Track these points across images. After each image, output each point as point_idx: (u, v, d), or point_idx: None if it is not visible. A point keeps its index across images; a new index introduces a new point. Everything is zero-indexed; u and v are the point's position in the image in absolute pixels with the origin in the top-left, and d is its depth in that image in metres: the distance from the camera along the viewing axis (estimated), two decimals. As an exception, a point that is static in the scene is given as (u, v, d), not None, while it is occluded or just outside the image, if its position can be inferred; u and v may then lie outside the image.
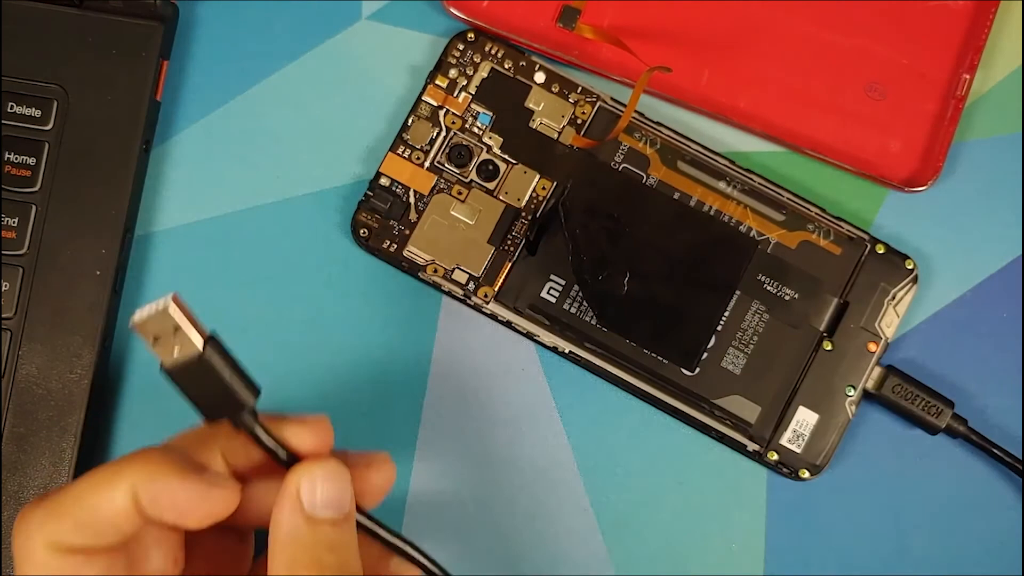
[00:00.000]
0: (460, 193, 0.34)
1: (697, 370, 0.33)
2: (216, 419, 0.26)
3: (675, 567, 0.34)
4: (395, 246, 0.34)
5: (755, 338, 0.33)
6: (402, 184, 0.34)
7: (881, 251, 0.34)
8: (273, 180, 0.35)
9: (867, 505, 0.34)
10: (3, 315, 0.33)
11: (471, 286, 0.34)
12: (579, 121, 0.34)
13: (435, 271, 0.34)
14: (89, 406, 0.33)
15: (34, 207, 0.34)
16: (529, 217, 0.34)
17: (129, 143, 0.34)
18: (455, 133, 0.34)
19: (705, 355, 0.33)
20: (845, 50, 0.35)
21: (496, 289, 0.34)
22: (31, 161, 0.34)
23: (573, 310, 0.33)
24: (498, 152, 0.34)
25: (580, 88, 0.34)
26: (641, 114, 0.34)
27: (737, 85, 0.35)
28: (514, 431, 0.34)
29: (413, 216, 0.34)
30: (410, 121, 0.34)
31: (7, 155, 0.34)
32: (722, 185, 0.34)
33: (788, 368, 0.33)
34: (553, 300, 0.33)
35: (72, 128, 0.34)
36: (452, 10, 0.35)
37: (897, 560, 0.34)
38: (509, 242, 0.34)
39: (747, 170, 0.34)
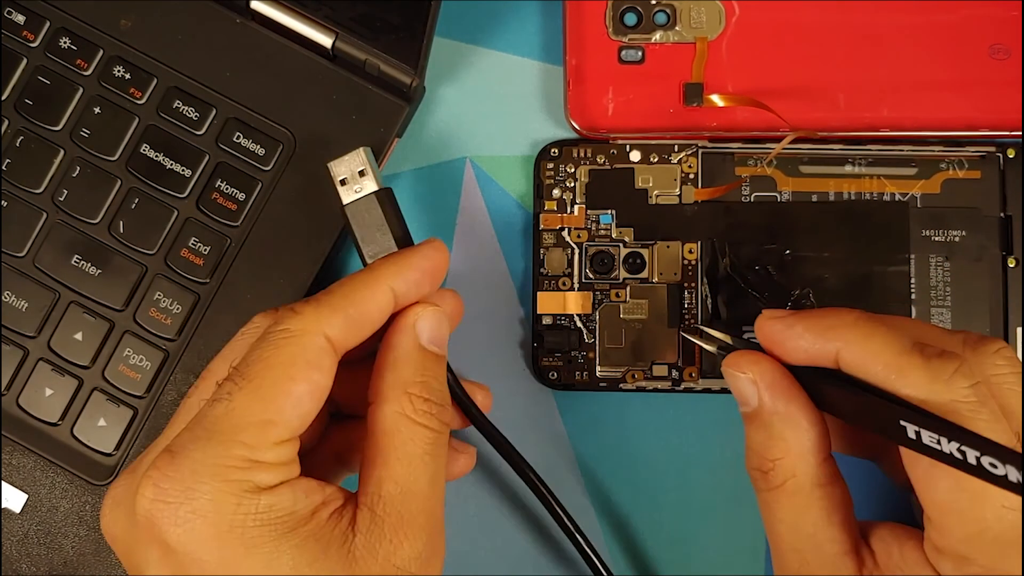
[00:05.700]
0: (619, 295, 0.34)
1: (914, 343, 0.33)
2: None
3: (675, 567, 0.34)
4: (586, 373, 0.34)
5: (948, 288, 0.34)
6: (564, 315, 0.34)
7: (1012, 155, 0.34)
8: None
9: (868, 501, 0.34)
10: (167, 335, 0.32)
11: (675, 375, 0.33)
12: (691, 176, 0.34)
13: (634, 377, 0.33)
14: None
15: (229, 240, 0.33)
16: (694, 285, 0.34)
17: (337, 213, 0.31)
18: (587, 245, 0.34)
19: (914, 326, 0.33)
20: (958, 24, 0.34)
21: (699, 367, 0.33)
22: (241, 196, 0.33)
23: (779, 348, 0.33)
24: (634, 241, 0.34)
25: (676, 146, 0.34)
26: (743, 143, 0.34)
27: (874, 95, 0.34)
28: (516, 433, 0.33)
29: (589, 338, 0.34)
30: (541, 255, 0.34)
31: (219, 183, 0.33)
32: (848, 168, 0.34)
33: (991, 299, 0.34)
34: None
35: (289, 177, 0.33)
36: (574, 124, 0.34)
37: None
38: (688, 316, 0.34)
39: (860, 144, 0.34)
